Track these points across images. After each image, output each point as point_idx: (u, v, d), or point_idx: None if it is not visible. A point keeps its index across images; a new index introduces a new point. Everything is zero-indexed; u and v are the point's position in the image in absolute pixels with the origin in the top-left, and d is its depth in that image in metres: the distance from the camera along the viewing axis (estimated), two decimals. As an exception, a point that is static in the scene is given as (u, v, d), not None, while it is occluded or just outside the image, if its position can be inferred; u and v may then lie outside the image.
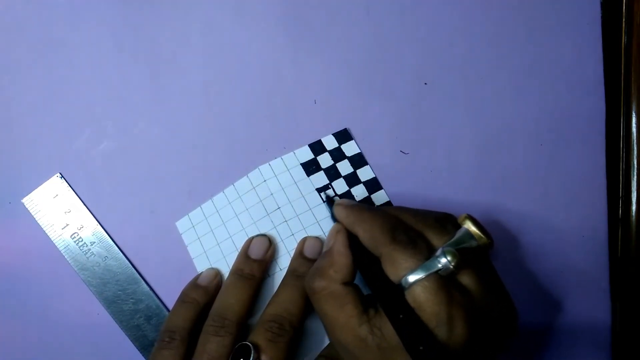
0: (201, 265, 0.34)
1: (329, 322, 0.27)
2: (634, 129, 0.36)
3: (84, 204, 0.35)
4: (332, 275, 0.28)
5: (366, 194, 0.35)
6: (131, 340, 0.34)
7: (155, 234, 0.35)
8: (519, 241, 0.35)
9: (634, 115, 0.36)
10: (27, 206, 0.34)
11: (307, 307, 0.30)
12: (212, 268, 0.34)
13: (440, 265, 0.25)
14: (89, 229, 0.34)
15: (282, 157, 0.35)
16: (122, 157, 0.35)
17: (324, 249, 0.31)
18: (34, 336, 0.34)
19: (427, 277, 0.24)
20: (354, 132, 0.35)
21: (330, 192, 0.34)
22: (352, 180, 0.35)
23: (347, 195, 0.34)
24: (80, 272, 0.34)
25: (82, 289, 0.34)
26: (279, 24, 0.36)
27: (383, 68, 0.36)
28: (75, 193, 0.35)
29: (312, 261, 0.32)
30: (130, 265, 0.34)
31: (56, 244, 0.34)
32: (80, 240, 0.34)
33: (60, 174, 0.35)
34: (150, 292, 0.34)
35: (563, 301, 0.35)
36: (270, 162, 0.35)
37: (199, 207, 0.35)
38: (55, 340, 0.34)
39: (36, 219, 0.34)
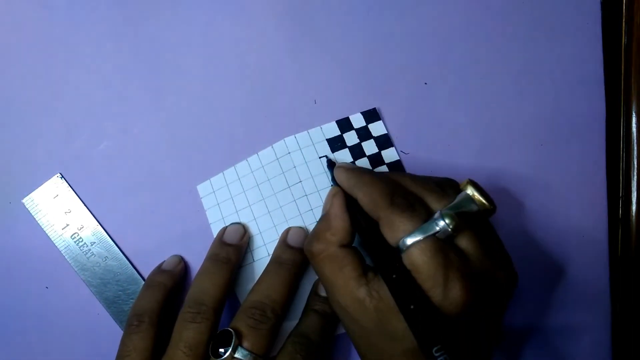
0: (217, 231, 0.34)
1: (328, 285, 0.27)
2: (634, 129, 0.36)
3: (84, 204, 0.35)
4: (330, 238, 0.27)
5: None
6: (131, 340, 0.34)
7: (156, 233, 0.34)
8: (519, 241, 0.35)
9: (634, 115, 0.36)
10: (27, 206, 0.34)
11: (290, 295, 0.30)
12: (176, 255, 0.34)
13: (438, 228, 0.24)
14: (89, 229, 0.34)
15: (309, 130, 0.35)
16: (122, 157, 0.35)
17: (322, 213, 0.30)
18: (34, 336, 0.34)
19: (424, 239, 0.24)
20: (354, 132, 0.35)
21: (331, 156, 0.34)
22: (376, 160, 0.35)
23: None
24: (81, 272, 0.34)
25: (82, 289, 0.34)
26: (279, 23, 0.36)
27: (383, 68, 0.36)
28: (75, 193, 0.35)
29: (295, 249, 0.32)
30: (130, 265, 0.34)
31: (56, 244, 0.34)
32: (80, 240, 0.34)
33: (60, 174, 0.35)
34: (150, 292, 0.34)
35: (563, 301, 0.35)
36: (296, 135, 0.35)
37: (221, 173, 0.35)
38: (55, 340, 0.34)
39: (36, 219, 0.34)
